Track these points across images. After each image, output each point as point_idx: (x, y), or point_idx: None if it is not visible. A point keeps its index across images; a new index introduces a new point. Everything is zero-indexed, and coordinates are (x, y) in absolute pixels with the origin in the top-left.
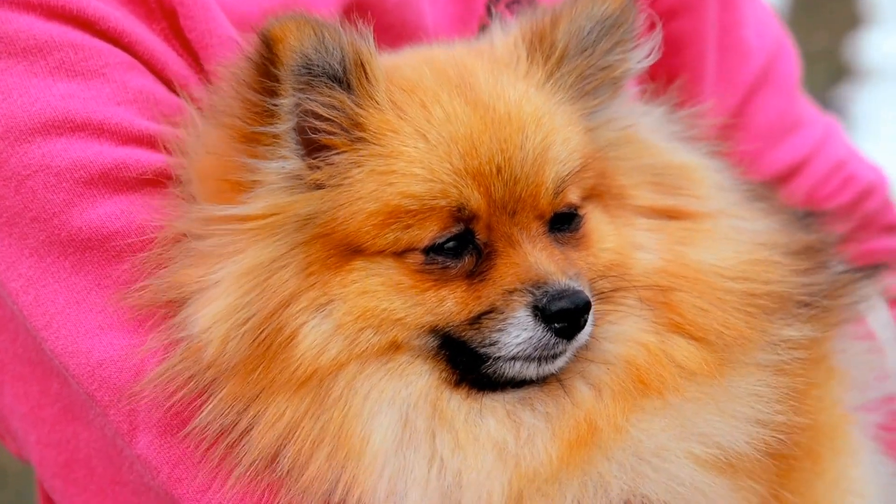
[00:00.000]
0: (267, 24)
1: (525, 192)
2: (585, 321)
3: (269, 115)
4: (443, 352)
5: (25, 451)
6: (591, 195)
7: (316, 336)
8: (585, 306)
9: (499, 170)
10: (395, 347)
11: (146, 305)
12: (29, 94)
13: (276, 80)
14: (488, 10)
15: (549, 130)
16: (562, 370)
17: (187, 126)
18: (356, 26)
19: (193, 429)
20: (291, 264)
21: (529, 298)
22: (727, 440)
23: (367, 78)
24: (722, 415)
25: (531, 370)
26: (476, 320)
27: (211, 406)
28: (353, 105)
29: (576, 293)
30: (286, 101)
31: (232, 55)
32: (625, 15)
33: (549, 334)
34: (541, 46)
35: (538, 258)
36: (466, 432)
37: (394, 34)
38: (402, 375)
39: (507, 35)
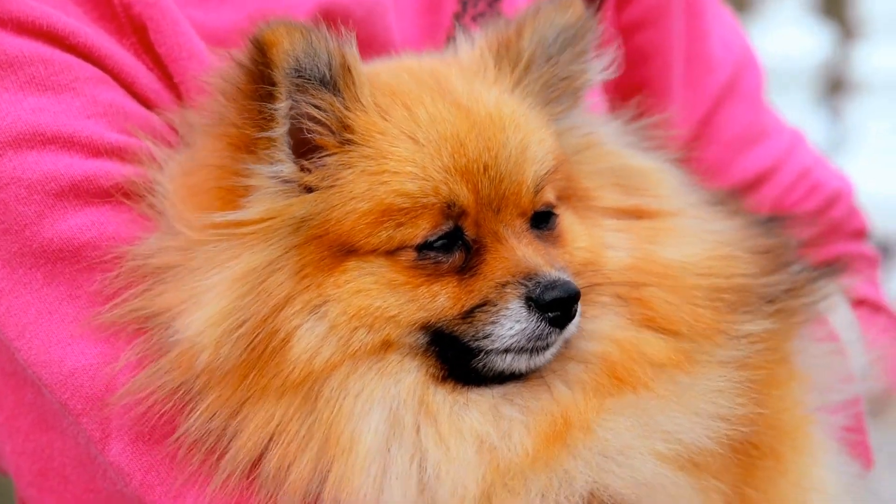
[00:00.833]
0: (258, 30)
1: (509, 190)
2: (576, 310)
3: (267, 120)
4: (432, 348)
5: (2, 460)
6: (561, 197)
7: (310, 339)
8: (576, 295)
9: (486, 167)
10: (386, 346)
11: (121, 322)
12: (0, 109)
13: (273, 83)
14: (455, 22)
15: (526, 131)
16: (547, 363)
17: (160, 145)
18: (338, 32)
19: (171, 435)
20: (286, 267)
21: (522, 290)
22: (689, 437)
23: (352, 81)
24: (685, 411)
25: (522, 362)
26: (469, 314)
27: (199, 412)
28: (341, 108)
29: (566, 283)
30: (282, 105)
31: (204, 68)
32: (585, 26)
33: (542, 324)
34: (507, 55)
35: (526, 252)
36: (450, 425)
37: (361, 46)
38: (392, 373)
39: (472, 45)
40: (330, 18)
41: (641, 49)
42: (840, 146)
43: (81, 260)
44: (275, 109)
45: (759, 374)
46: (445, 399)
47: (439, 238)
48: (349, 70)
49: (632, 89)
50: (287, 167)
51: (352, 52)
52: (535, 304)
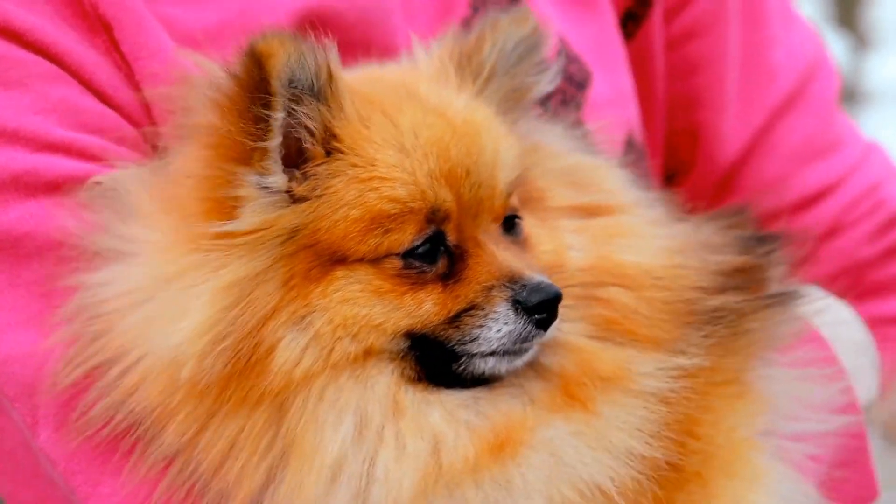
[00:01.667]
0: (252, 41)
1: (485, 195)
2: (558, 312)
3: (262, 130)
4: (412, 352)
5: None
6: (520, 201)
7: (293, 349)
8: (560, 297)
9: (467, 172)
10: (367, 354)
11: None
12: None
13: (269, 94)
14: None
15: (496, 137)
16: (521, 367)
17: (113, 143)
18: (320, 41)
19: (96, 425)
20: (273, 279)
21: (509, 293)
22: (599, 477)
23: (337, 91)
24: (599, 447)
25: (503, 365)
26: (456, 318)
27: (172, 428)
28: (329, 117)
29: (550, 285)
30: (278, 115)
31: (166, 66)
32: (539, 39)
33: (530, 326)
34: (469, 66)
35: (506, 256)
36: (413, 422)
37: (355, 52)
38: (368, 378)
39: (429, 55)
40: (317, 22)
41: (693, 59)
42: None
43: (20, 250)
44: (270, 120)
45: (682, 412)
46: (415, 397)
47: (424, 242)
48: (334, 80)
49: (682, 101)
50: (279, 178)
51: (335, 61)
52: (523, 306)
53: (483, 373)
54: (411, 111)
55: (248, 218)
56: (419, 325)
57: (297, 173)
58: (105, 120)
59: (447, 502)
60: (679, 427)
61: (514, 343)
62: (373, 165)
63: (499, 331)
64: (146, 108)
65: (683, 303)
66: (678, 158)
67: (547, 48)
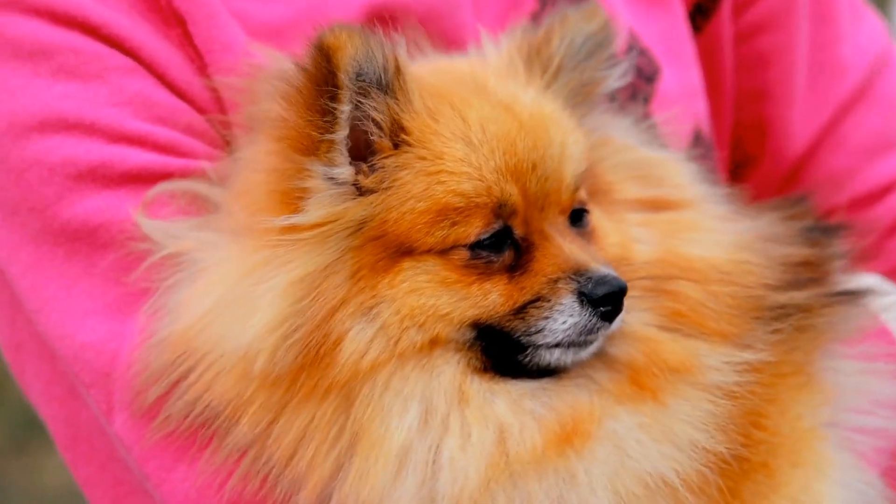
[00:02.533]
0: (320, 34)
1: (552, 188)
2: (623, 305)
3: (329, 123)
4: (478, 343)
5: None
6: (588, 194)
7: (360, 340)
8: (625, 289)
9: (534, 166)
10: (434, 344)
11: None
12: (30, 95)
13: (337, 87)
14: (531, 21)
15: (565, 131)
16: (587, 358)
17: (187, 136)
18: (389, 35)
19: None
20: (342, 271)
21: (574, 285)
22: (663, 470)
23: (405, 84)
24: (664, 440)
25: (569, 356)
26: (521, 310)
27: (246, 419)
28: (397, 110)
29: (615, 278)
30: (345, 108)
31: (239, 60)
32: (609, 34)
33: (595, 318)
34: (538, 60)
35: (572, 249)
36: (479, 411)
37: (424, 46)
38: (435, 367)
39: (498, 49)
40: (386, 16)
41: (761, 53)
42: None
43: (97, 240)
44: (338, 112)
45: (751, 399)
46: (481, 386)
47: (491, 237)
48: (401, 73)
49: (750, 95)
50: (346, 170)
51: (403, 55)
52: (588, 298)
53: (548, 364)
54: (479, 105)
55: (315, 210)
56: (485, 316)
57: (365, 166)
58: (178, 113)
59: (511, 495)
60: (745, 418)
61: (580, 335)
62: (440, 159)
63: (564, 322)
64: (219, 101)
65: (751, 298)
66: (745, 152)
67: (617, 43)
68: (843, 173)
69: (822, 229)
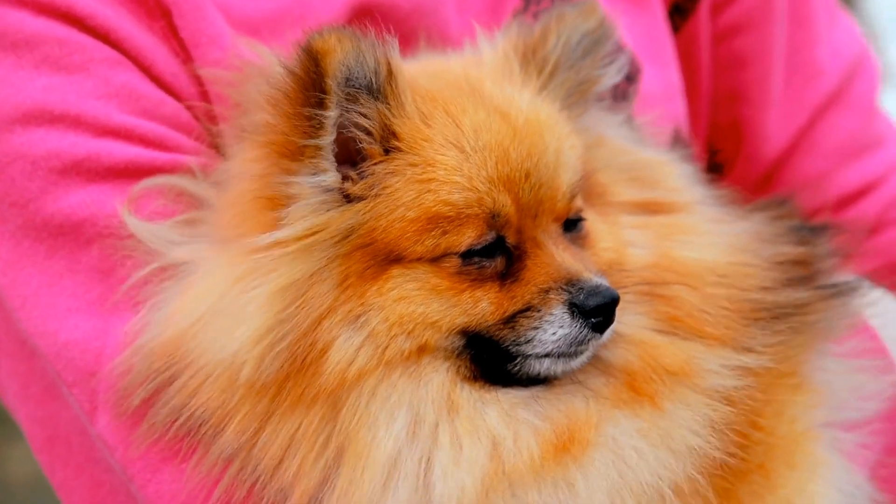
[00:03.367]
0: (309, 38)
1: (546, 196)
2: (615, 316)
3: (316, 128)
4: (467, 351)
5: (22, 426)
6: (584, 197)
7: (347, 348)
8: (617, 300)
9: (527, 175)
10: (421, 351)
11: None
12: (13, 86)
13: (324, 92)
14: (515, 19)
15: (560, 136)
16: (579, 368)
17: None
18: (381, 35)
19: (154, 412)
20: (328, 279)
21: (566, 296)
22: (661, 478)
23: (397, 88)
24: (661, 447)
25: (559, 366)
26: (511, 319)
27: (232, 428)
28: (387, 115)
29: (607, 288)
30: (332, 114)
31: (225, 54)
32: (605, 32)
33: (586, 330)
34: (534, 60)
35: (565, 258)
36: (469, 422)
37: (408, 42)
38: (423, 375)
39: (494, 48)
40: (372, 11)
41: (739, 54)
42: None
43: (81, 236)
44: (324, 118)
45: (750, 403)
46: (471, 395)
47: (483, 247)
48: (394, 77)
49: (727, 96)
50: (331, 176)
51: (396, 57)
52: (579, 309)
53: (538, 374)
54: (474, 110)
55: (300, 222)
56: (474, 324)
57: (353, 172)
58: (164, 106)
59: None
60: (743, 420)
61: (570, 346)
62: (432, 166)
63: (554, 333)
64: (204, 94)
65: (748, 301)
66: (720, 154)
67: (613, 41)
68: (818, 176)
69: (810, 228)
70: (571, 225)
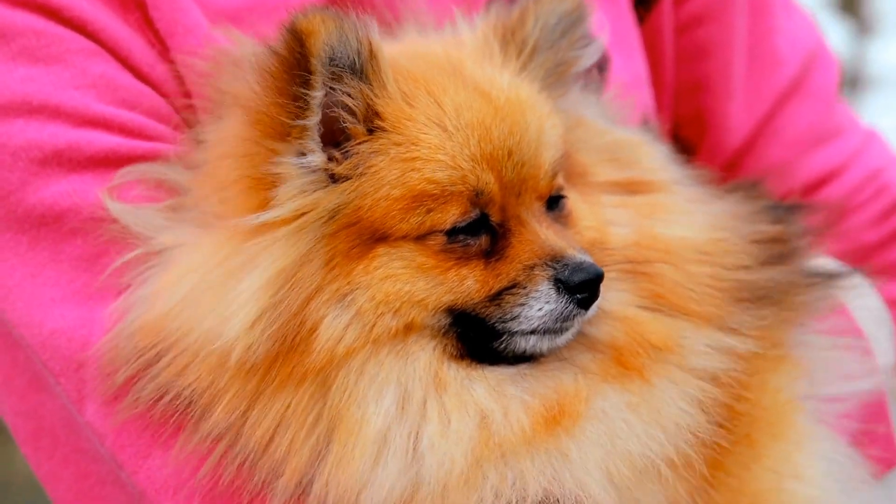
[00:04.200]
0: (293, 19)
1: (529, 174)
2: (600, 292)
3: (301, 108)
4: (453, 329)
5: (6, 420)
6: (565, 176)
7: (335, 327)
8: (601, 276)
9: (509, 153)
10: (408, 330)
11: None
12: None
13: (310, 72)
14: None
15: (541, 115)
16: (565, 344)
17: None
18: (361, 17)
19: (141, 397)
20: (316, 259)
21: (551, 272)
22: (651, 450)
23: (379, 68)
24: (651, 422)
25: (545, 343)
26: (497, 296)
27: (220, 407)
28: (371, 95)
29: (591, 265)
30: (317, 94)
31: (201, 44)
32: (581, 13)
33: (571, 305)
34: (513, 41)
35: (548, 235)
36: (457, 398)
37: (382, 25)
38: (410, 353)
39: (473, 29)
40: (345, 1)
41: (700, 45)
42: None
43: (63, 225)
44: (310, 98)
45: (735, 380)
46: (458, 373)
47: (467, 224)
48: (376, 57)
49: (690, 86)
50: (318, 157)
51: (377, 38)
52: (564, 285)
53: (524, 351)
54: (455, 90)
55: (289, 202)
56: (460, 302)
57: (337, 153)
58: (142, 96)
59: (503, 472)
60: (727, 392)
61: (556, 322)
62: (415, 145)
63: (540, 309)
64: (181, 84)
65: (731, 280)
66: (684, 143)
67: (589, 22)
68: (780, 165)
69: (784, 207)
70: (553, 203)
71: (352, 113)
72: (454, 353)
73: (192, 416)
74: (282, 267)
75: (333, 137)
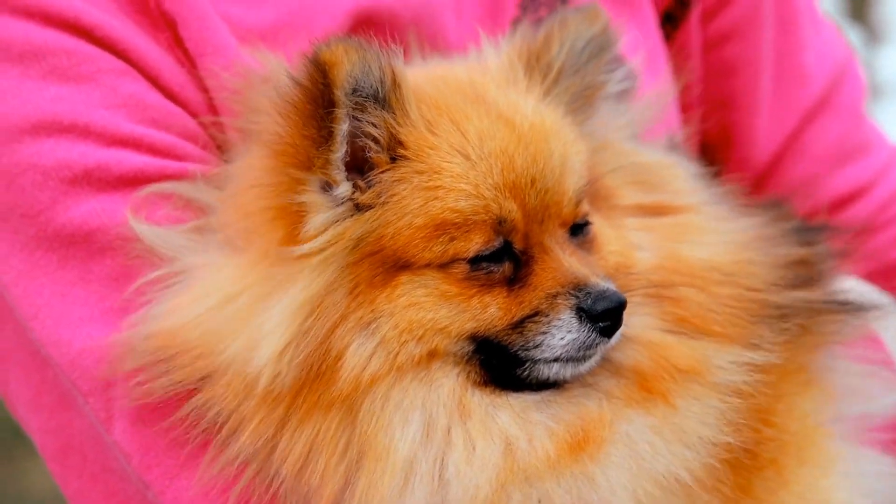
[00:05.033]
0: (316, 49)
1: (552, 201)
2: (623, 320)
3: (326, 139)
4: (476, 356)
5: (33, 438)
6: (589, 200)
7: (360, 355)
8: (624, 304)
9: (532, 181)
10: (432, 356)
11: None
12: (22, 97)
13: (334, 103)
14: (513, 27)
15: (566, 142)
16: (588, 371)
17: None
18: (385, 45)
19: (171, 418)
20: (341, 287)
21: (573, 301)
22: (678, 470)
23: (402, 96)
24: (676, 441)
25: (568, 371)
26: (520, 324)
27: (247, 433)
28: (393, 124)
29: (614, 293)
30: (343, 125)
31: (230, 63)
32: (609, 37)
33: (594, 334)
34: (538, 65)
35: (572, 263)
36: (481, 425)
37: (408, 50)
38: (434, 380)
39: (498, 54)
40: (372, 20)
41: (728, 62)
42: None
43: (92, 245)
44: (334, 130)
45: (760, 397)
46: (482, 400)
47: (491, 252)
48: (399, 86)
49: (717, 103)
50: (344, 186)
51: (400, 66)
52: (587, 314)
53: (547, 378)
54: (478, 118)
55: (320, 235)
56: (483, 329)
57: (361, 181)
58: (172, 116)
59: (527, 493)
60: (754, 416)
61: (578, 350)
62: (438, 174)
63: (562, 338)
64: (210, 104)
65: (754, 300)
66: (711, 160)
67: (617, 46)
68: (807, 182)
69: (811, 230)
70: (578, 230)
71: (375, 142)
72: (478, 380)
73: (218, 438)
74: (309, 296)
75: (357, 166)
